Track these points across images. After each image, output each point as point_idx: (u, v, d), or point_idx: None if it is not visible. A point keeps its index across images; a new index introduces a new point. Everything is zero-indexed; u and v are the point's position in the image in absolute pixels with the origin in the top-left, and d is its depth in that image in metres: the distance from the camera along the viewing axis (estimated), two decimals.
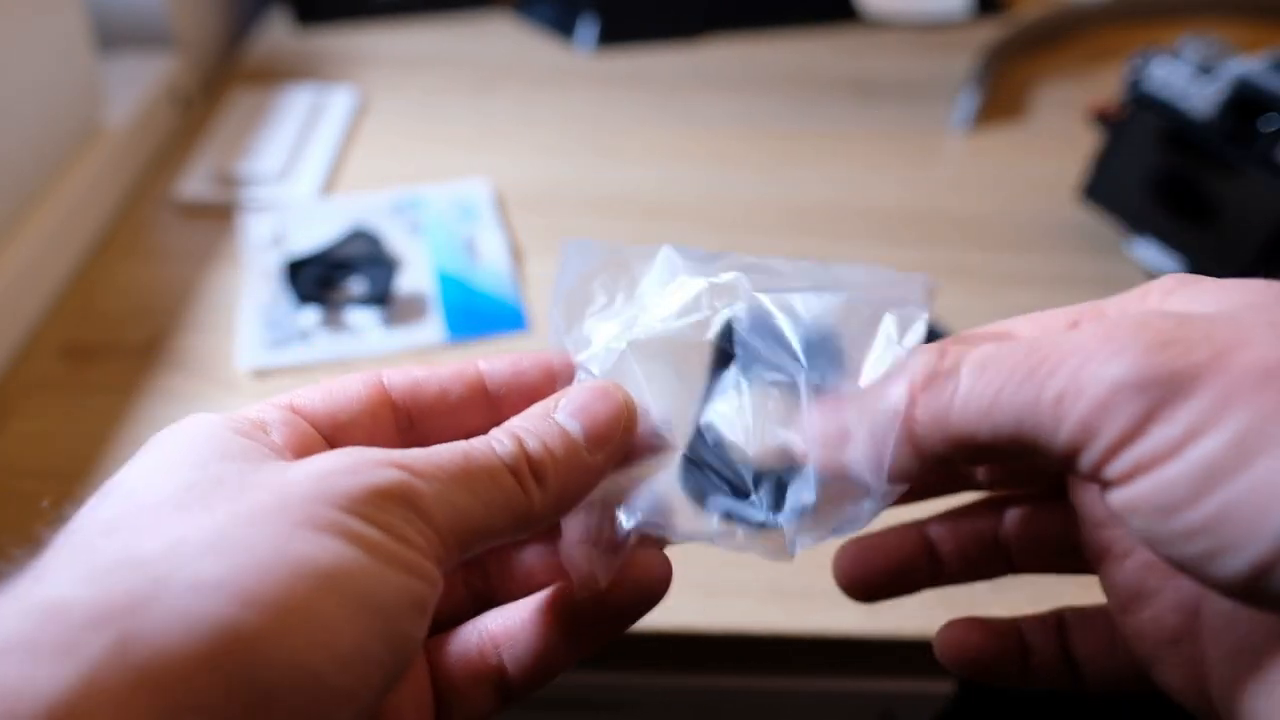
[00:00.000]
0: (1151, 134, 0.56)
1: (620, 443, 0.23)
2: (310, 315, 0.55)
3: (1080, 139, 0.73)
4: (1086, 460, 0.17)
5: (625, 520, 0.22)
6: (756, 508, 0.23)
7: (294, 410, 0.23)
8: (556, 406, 0.23)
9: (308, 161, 0.69)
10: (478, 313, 0.56)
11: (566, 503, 0.22)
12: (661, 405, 0.23)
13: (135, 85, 0.70)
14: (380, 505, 0.19)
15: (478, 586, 0.25)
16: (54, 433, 0.49)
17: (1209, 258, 0.55)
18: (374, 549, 0.18)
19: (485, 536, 0.21)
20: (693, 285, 0.25)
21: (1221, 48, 0.55)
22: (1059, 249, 0.63)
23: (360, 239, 0.59)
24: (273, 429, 0.22)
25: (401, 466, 0.20)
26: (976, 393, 0.18)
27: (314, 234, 0.61)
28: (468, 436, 0.22)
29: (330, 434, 0.23)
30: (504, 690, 0.23)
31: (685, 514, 0.23)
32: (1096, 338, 0.17)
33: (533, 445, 0.21)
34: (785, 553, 0.23)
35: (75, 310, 0.57)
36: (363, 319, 0.55)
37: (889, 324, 0.22)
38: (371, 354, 0.54)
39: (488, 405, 0.24)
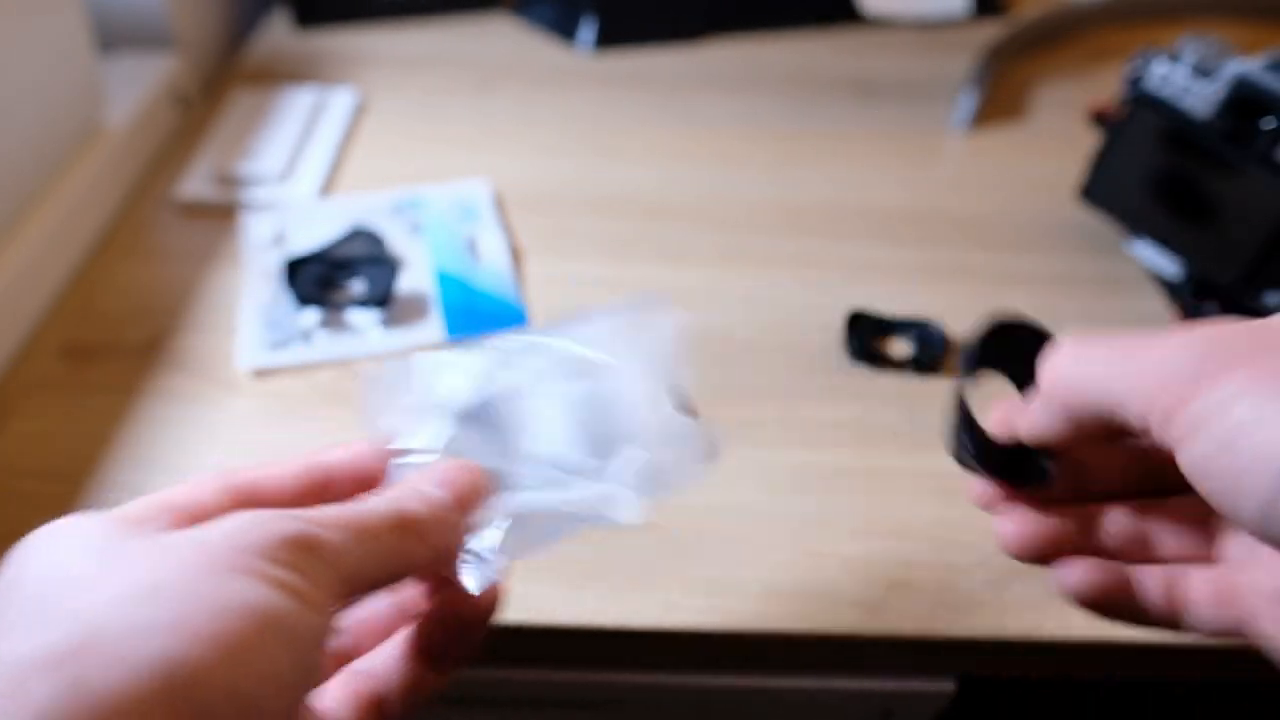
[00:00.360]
0: (1151, 134, 0.56)
1: (478, 503, 0.28)
2: (311, 315, 0.55)
3: (1080, 139, 0.73)
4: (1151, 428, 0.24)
5: (494, 557, 0.28)
6: (591, 483, 0.30)
7: (161, 508, 0.25)
8: (426, 479, 0.27)
9: (308, 162, 0.69)
10: (478, 312, 0.56)
11: (441, 556, 0.27)
12: (488, 455, 0.30)
13: (136, 85, 0.70)
14: (290, 551, 0.22)
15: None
16: (54, 433, 0.49)
17: (1208, 259, 0.55)
18: (288, 590, 0.21)
19: (375, 583, 0.25)
20: (470, 360, 0.31)
21: (1221, 48, 0.55)
22: (1059, 249, 0.63)
23: (361, 237, 0.59)
24: (154, 520, 0.24)
25: (304, 520, 0.23)
26: (1086, 381, 0.27)
27: (314, 234, 0.61)
28: None
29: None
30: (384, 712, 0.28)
31: (534, 530, 0.30)
32: (1161, 341, 0.24)
33: (414, 506, 0.26)
34: (635, 514, 0.30)
35: (75, 310, 0.57)
36: (363, 319, 0.55)
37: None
38: (372, 354, 0.54)
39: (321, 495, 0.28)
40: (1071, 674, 0.43)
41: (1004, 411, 0.30)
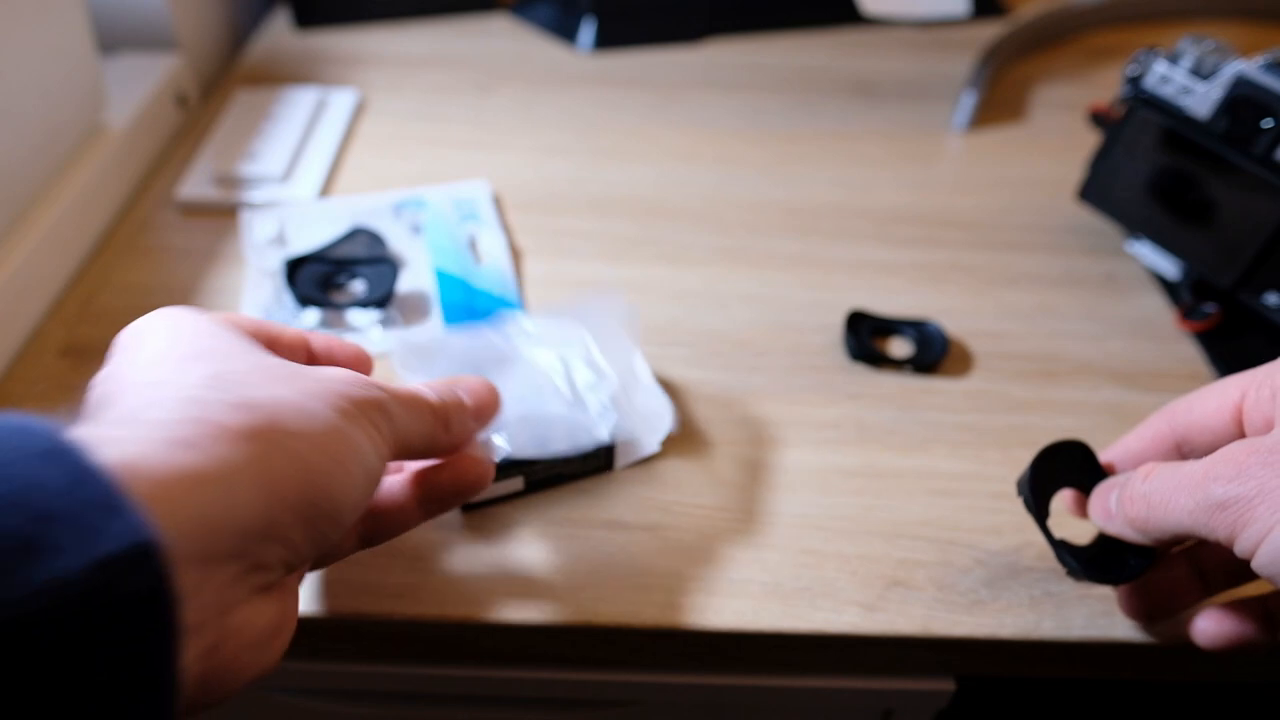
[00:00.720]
0: (1150, 134, 0.56)
1: (491, 417, 0.38)
2: (311, 315, 0.55)
3: (1080, 139, 0.73)
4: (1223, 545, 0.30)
5: (499, 443, 0.39)
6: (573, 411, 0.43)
7: (257, 330, 0.33)
8: (459, 386, 0.36)
9: (309, 162, 0.69)
10: (478, 312, 0.57)
11: (458, 444, 0.35)
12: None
13: (137, 86, 0.70)
14: (374, 410, 0.30)
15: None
16: None
17: (1207, 259, 0.55)
18: (370, 439, 0.29)
19: (413, 452, 0.33)
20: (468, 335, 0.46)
21: (1221, 49, 0.55)
22: (1059, 249, 0.63)
23: (362, 237, 0.59)
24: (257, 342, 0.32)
25: (383, 390, 0.31)
26: (1149, 510, 0.32)
27: (315, 234, 0.61)
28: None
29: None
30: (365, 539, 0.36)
31: (528, 435, 0.41)
32: (1200, 470, 0.30)
33: (450, 403, 0.34)
34: (606, 437, 0.43)
35: (76, 310, 0.57)
36: (363, 319, 0.55)
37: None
38: (372, 353, 0.54)
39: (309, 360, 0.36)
40: (1071, 674, 0.43)
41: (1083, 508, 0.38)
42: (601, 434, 0.43)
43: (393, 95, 0.79)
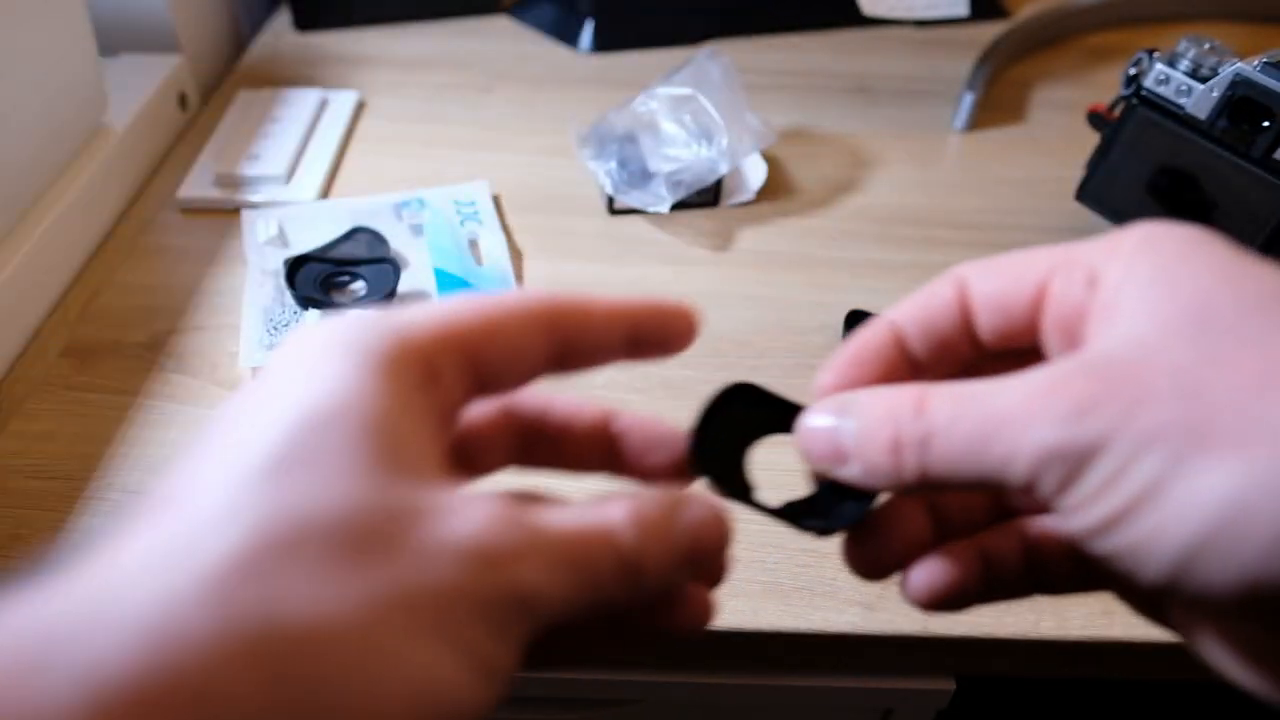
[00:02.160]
0: (1149, 135, 0.56)
1: (697, 570, 0.23)
2: (312, 316, 0.55)
3: (1080, 139, 0.73)
4: (1039, 499, 0.21)
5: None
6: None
7: (457, 348, 0.22)
8: (682, 514, 0.23)
9: (309, 163, 0.69)
10: None
11: (636, 602, 0.23)
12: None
13: (139, 87, 0.70)
14: (508, 609, 0.19)
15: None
16: (55, 433, 0.49)
17: None
18: (482, 663, 0.19)
19: (570, 617, 0.21)
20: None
21: (1220, 49, 0.55)
22: None
23: (361, 239, 0.59)
24: (436, 382, 0.21)
25: (541, 556, 0.19)
26: (946, 453, 0.22)
27: (316, 235, 0.61)
28: (597, 369, 0.24)
29: (488, 375, 0.22)
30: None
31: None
32: (1024, 405, 0.21)
33: (648, 552, 0.21)
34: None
35: (77, 310, 0.57)
36: None
37: None
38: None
39: (623, 355, 0.25)
40: (1070, 674, 0.43)
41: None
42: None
43: (393, 96, 0.79)
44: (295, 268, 0.56)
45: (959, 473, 0.22)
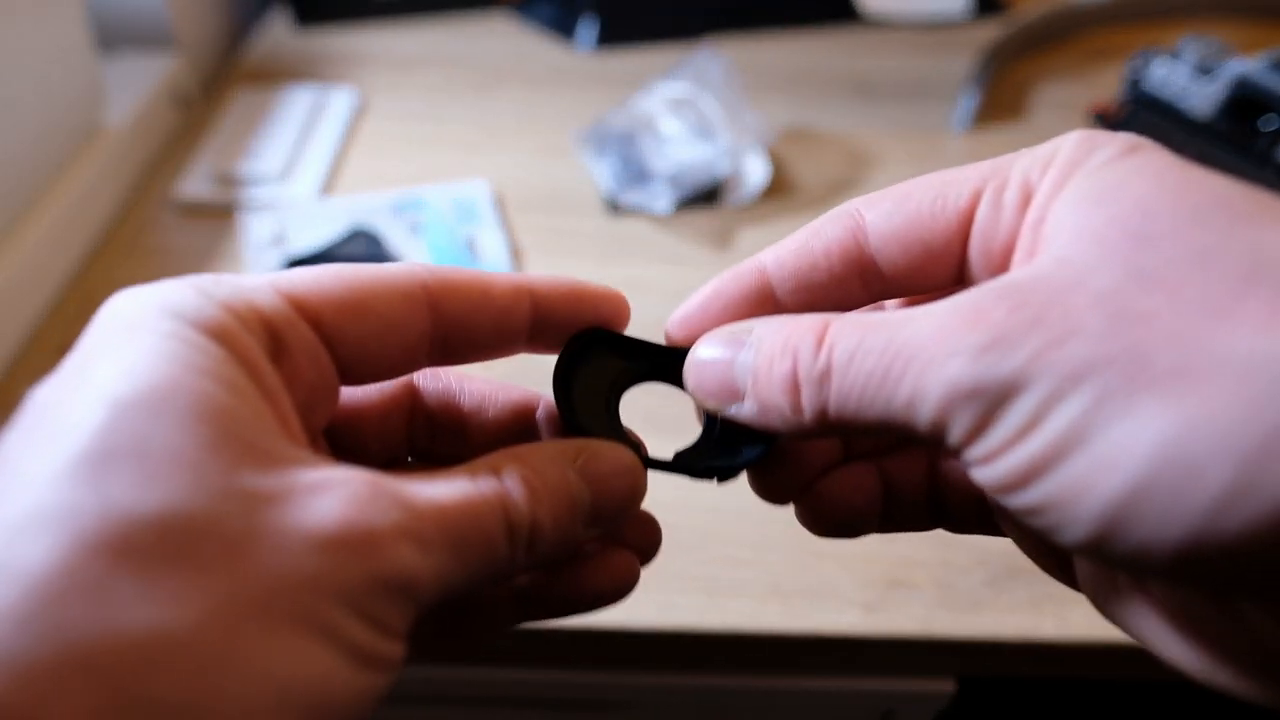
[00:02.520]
0: (1151, 134, 0.56)
1: (617, 525, 0.21)
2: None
3: None
4: (947, 447, 0.18)
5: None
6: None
7: (310, 318, 0.19)
8: (579, 462, 0.21)
9: (308, 161, 0.69)
10: None
11: (540, 565, 0.21)
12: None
13: (136, 85, 0.70)
14: (378, 597, 0.17)
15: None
16: None
17: None
18: (356, 652, 0.17)
19: (456, 593, 0.19)
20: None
21: (1221, 48, 0.55)
22: None
23: (360, 239, 0.59)
24: (282, 351, 0.18)
25: (412, 536, 0.17)
26: (845, 392, 0.19)
27: (314, 234, 0.61)
28: (498, 357, 0.22)
29: (347, 360, 0.20)
30: (446, 638, 0.23)
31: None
32: (935, 338, 0.18)
33: (542, 510, 0.19)
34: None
35: (75, 310, 0.57)
36: None
37: None
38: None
39: (528, 334, 0.22)
40: (1071, 674, 0.43)
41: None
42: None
43: (393, 95, 0.79)
44: (293, 266, 0.56)
45: (861, 415, 0.19)
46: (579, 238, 0.64)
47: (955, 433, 0.18)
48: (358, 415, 0.22)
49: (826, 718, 0.49)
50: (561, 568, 0.22)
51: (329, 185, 0.68)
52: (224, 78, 0.81)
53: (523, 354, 0.23)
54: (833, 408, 0.19)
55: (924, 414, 0.18)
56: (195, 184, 0.66)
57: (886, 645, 0.41)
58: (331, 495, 0.17)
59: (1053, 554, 0.21)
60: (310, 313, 0.19)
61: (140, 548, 0.15)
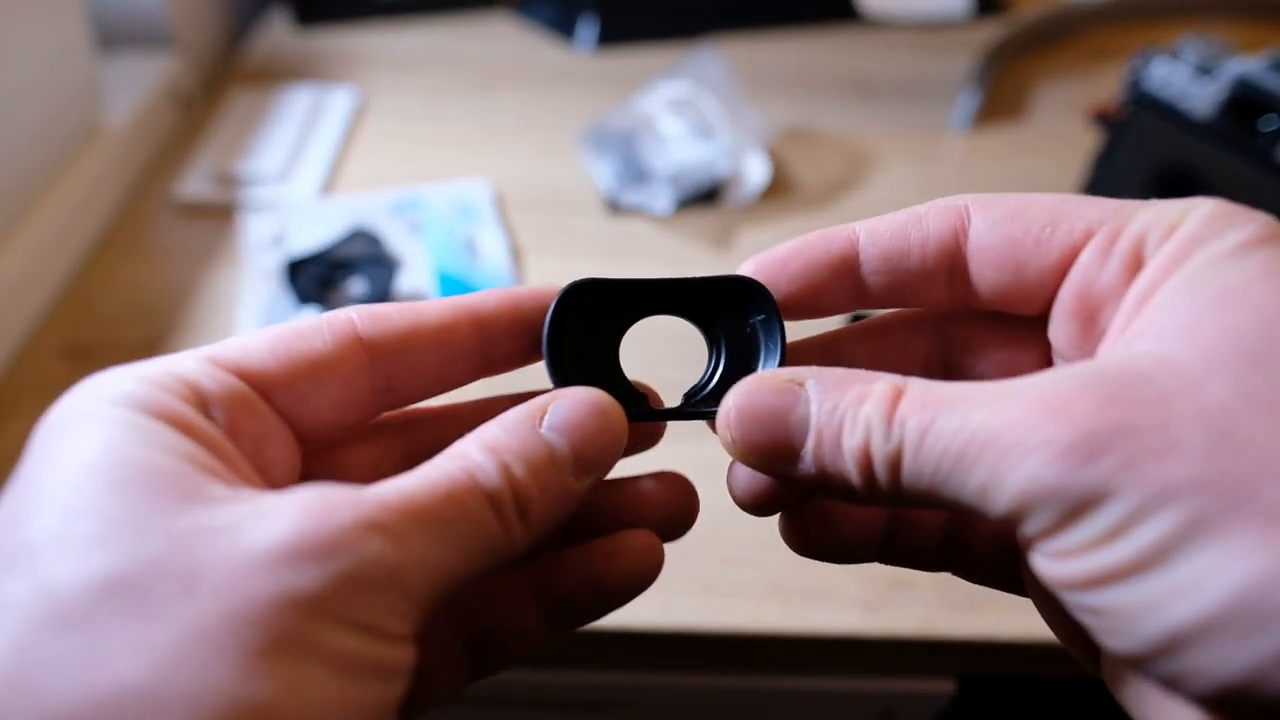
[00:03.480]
0: (1151, 134, 0.56)
1: (609, 467, 0.20)
2: (311, 313, 0.55)
3: (1080, 139, 0.73)
4: (1017, 534, 0.17)
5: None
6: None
7: (240, 372, 0.19)
8: (544, 417, 0.20)
9: (308, 161, 0.69)
10: None
11: (547, 532, 0.20)
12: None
13: (135, 85, 0.70)
14: (355, 599, 0.16)
15: None
16: None
17: None
18: (346, 663, 0.16)
19: (461, 584, 0.18)
20: None
21: (1221, 47, 0.55)
22: None
23: (360, 239, 0.59)
24: (213, 406, 0.18)
25: (378, 529, 0.16)
26: (917, 472, 0.18)
27: (314, 234, 0.61)
28: (455, 385, 0.21)
29: (285, 404, 0.19)
30: (476, 659, 0.21)
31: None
32: (1016, 425, 0.16)
33: (519, 473, 0.19)
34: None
35: (75, 310, 0.57)
36: None
37: None
38: None
39: (478, 351, 0.21)
40: (1071, 674, 0.43)
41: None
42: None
43: (393, 94, 0.79)
44: (295, 269, 0.56)
45: (931, 496, 0.18)
46: (579, 238, 0.63)
47: (1029, 527, 0.17)
48: (314, 396, 0.20)
49: (826, 718, 0.49)
50: (576, 556, 0.21)
51: (329, 185, 0.68)
52: (224, 77, 0.81)
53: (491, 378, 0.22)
54: (904, 486, 0.18)
55: (998, 505, 0.17)
56: (195, 184, 0.66)
57: (886, 645, 0.41)
58: (283, 513, 0.16)
59: (1080, 635, 0.19)
60: (242, 370, 0.19)
61: (87, 613, 0.15)
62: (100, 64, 0.65)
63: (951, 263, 0.21)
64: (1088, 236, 0.19)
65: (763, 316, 0.23)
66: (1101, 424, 0.16)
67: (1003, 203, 0.20)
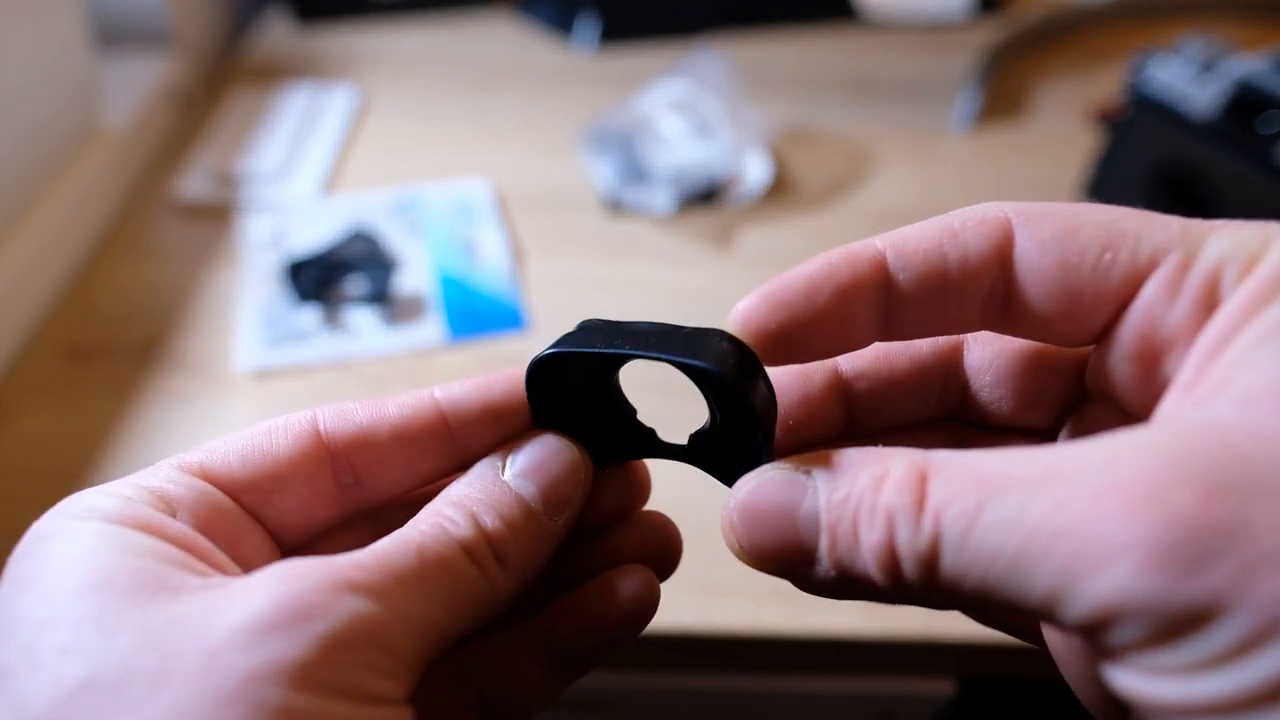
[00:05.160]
0: (1152, 134, 0.56)
1: (580, 501, 0.20)
2: (310, 315, 0.55)
3: (1080, 139, 0.73)
4: (1097, 645, 0.15)
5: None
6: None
7: (206, 476, 0.19)
8: (505, 466, 0.20)
9: (307, 161, 0.69)
10: (477, 313, 0.56)
11: (529, 576, 0.19)
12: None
13: (134, 85, 0.70)
14: (338, 661, 0.15)
15: None
16: (54, 433, 0.49)
17: None
18: None
19: (450, 639, 0.18)
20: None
21: (1221, 46, 0.55)
22: None
23: (359, 240, 0.59)
24: (179, 507, 0.18)
25: (353, 589, 0.16)
26: (963, 570, 0.15)
27: (313, 234, 0.61)
28: (425, 479, 0.21)
29: (253, 504, 0.19)
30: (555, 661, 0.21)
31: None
32: (1091, 518, 0.13)
33: (490, 522, 0.19)
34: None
35: (75, 310, 0.57)
36: (362, 319, 0.55)
37: None
38: (371, 354, 0.54)
39: (446, 444, 0.21)
40: None
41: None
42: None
43: (393, 94, 0.79)
44: (295, 272, 0.56)
45: (981, 597, 0.15)
46: (579, 238, 0.63)
47: (1114, 639, 0.14)
48: (279, 494, 0.20)
49: (826, 718, 0.49)
50: (572, 600, 0.21)
51: (328, 184, 0.68)
52: (224, 76, 0.81)
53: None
54: (943, 588, 0.15)
55: (1071, 614, 0.14)
56: (195, 183, 0.66)
57: (886, 645, 0.41)
58: (255, 588, 0.16)
59: (1117, 708, 0.16)
60: (209, 474, 0.19)
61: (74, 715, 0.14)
62: (99, 63, 0.65)
63: (991, 287, 0.18)
64: (1152, 265, 0.16)
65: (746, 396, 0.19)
66: (1206, 522, 0.13)
67: (1050, 217, 0.17)
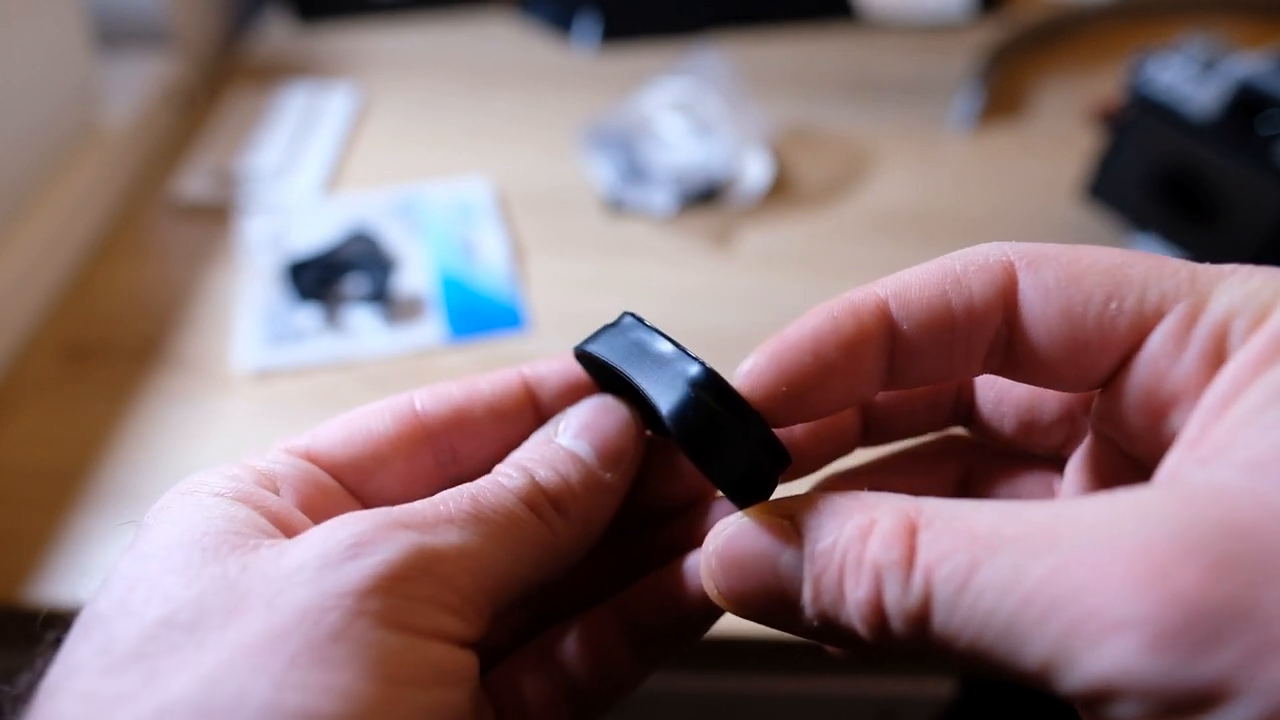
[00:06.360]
0: (1152, 134, 0.56)
1: (635, 456, 0.21)
2: (310, 315, 0.55)
3: (1080, 139, 0.73)
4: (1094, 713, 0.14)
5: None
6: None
7: (310, 457, 0.20)
8: (558, 431, 0.21)
9: (307, 160, 0.69)
10: (477, 313, 0.56)
11: (593, 530, 0.20)
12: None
13: (133, 85, 0.70)
14: (397, 591, 0.16)
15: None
16: (54, 433, 0.49)
17: (1211, 257, 0.55)
18: (391, 666, 0.16)
19: (514, 586, 0.18)
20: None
21: (1221, 46, 0.55)
22: None
23: (359, 240, 0.59)
24: (282, 485, 0.20)
25: (409, 526, 0.17)
26: (955, 632, 0.14)
27: (313, 234, 0.61)
28: (516, 440, 0.22)
29: (355, 483, 0.21)
30: (578, 704, 0.21)
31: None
32: (1093, 589, 0.13)
33: (544, 474, 0.20)
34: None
35: (74, 310, 0.57)
36: (363, 319, 0.55)
37: None
38: (371, 354, 0.54)
39: (535, 419, 0.22)
40: None
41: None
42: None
43: (393, 93, 0.79)
44: (295, 273, 0.56)
45: (965, 657, 0.14)
46: (579, 238, 0.63)
47: (1113, 715, 0.13)
48: (381, 473, 0.22)
49: (826, 718, 0.49)
50: (650, 581, 0.21)
51: (328, 184, 0.68)
52: (223, 76, 0.81)
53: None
54: (933, 645, 0.15)
55: (1068, 684, 0.13)
56: (194, 183, 0.66)
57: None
58: (318, 532, 0.17)
59: None
60: (312, 455, 0.21)
61: (139, 654, 0.16)
62: (99, 63, 0.65)
63: (996, 334, 0.17)
64: (1158, 314, 0.16)
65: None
66: (1212, 602, 0.12)
67: (1053, 261, 0.17)
